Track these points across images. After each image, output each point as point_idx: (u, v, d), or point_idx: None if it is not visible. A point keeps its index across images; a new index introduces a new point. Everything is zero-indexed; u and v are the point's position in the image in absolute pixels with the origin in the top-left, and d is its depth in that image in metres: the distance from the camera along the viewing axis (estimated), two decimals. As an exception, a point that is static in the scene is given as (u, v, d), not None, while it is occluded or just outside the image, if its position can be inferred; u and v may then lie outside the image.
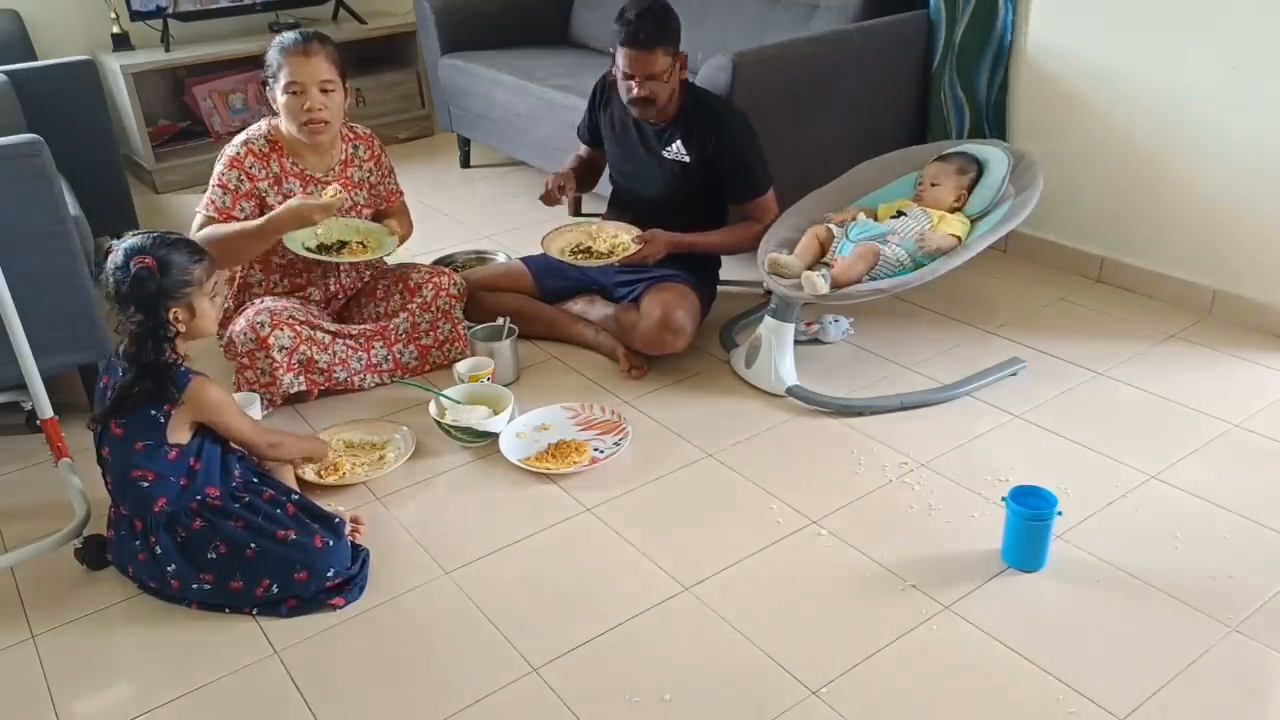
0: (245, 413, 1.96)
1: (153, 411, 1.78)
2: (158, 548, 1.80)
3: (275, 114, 2.46)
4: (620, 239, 2.62)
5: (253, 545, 1.80)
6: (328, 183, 2.49)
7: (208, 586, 1.80)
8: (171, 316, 1.80)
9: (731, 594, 1.82)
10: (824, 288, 2.31)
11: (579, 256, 2.58)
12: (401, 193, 2.69)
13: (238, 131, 2.54)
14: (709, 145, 2.54)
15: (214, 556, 1.80)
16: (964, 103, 3.09)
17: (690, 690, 1.62)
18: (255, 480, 1.94)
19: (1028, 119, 3.02)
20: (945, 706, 1.57)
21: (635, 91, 2.49)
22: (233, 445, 1.93)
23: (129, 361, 1.79)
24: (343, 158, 2.54)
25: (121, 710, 1.64)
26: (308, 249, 2.44)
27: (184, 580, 1.80)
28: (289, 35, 2.40)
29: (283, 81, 2.36)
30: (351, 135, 2.58)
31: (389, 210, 2.65)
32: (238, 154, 2.43)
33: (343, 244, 2.49)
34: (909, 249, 2.45)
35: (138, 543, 1.82)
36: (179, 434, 1.81)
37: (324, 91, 2.37)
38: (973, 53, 3.02)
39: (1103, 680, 1.59)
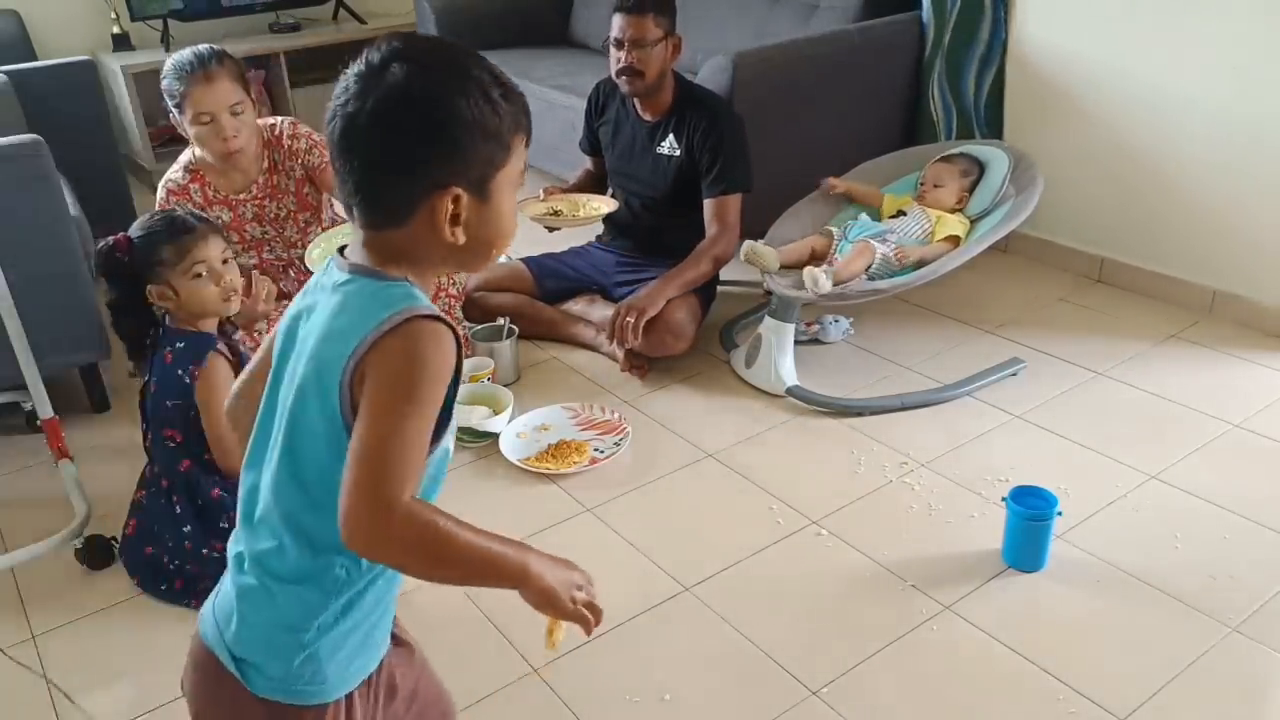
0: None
1: (179, 372, 1.82)
2: (178, 507, 1.85)
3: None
4: (594, 204, 2.67)
5: None
6: (256, 200, 2.44)
7: (216, 555, 1.83)
8: (154, 295, 1.83)
9: (731, 594, 1.82)
10: (826, 285, 2.30)
11: (549, 217, 2.66)
12: None
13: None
14: (695, 134, 2.54)
15: (225, 526, 1.83)
16: (951, 104, 3.09)
17: (690, 691, 1.62)
18: None
19: (1025, 120, 3.02)
20: (945, 706, 1.57)
21: (624, 60, 2.49)
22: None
23: (118, 331, 1.85)
24: (265, 166, 2.46)
25: (121, 710, 1.64)
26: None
27: (196, 544, 1.84)
28: (185, 57, 2.27)
29: (190, 113, 2.27)
30: (272, 139, 2.47)
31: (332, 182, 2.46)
32: (162, 198, 2.39)
33: None
34: (908, 248, 2.45)
35: (163, 501, 1.87)
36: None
37: (234, 114, 2.29)
38: (959, 54, 3.02)
39: (1103, 680, 1.59)
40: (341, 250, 0.98)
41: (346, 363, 0.88)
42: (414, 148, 0.90)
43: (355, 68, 0.92)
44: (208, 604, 1.03)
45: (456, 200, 0.92)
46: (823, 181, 2.67)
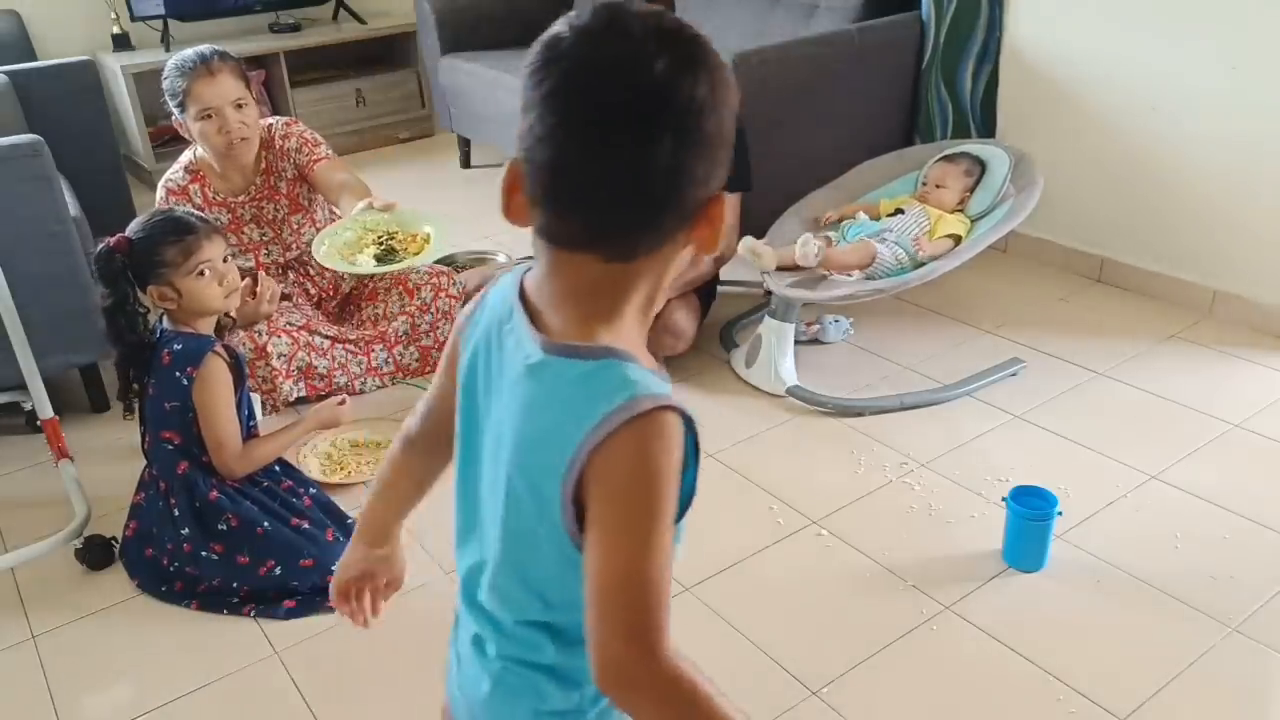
0: (232, 417, 1.89)
1: (176, 373, 1.82)
2: (176, 510, 1.85)
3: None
4: None
5: (265, 524, 1.84)
6: (254, 202, 2.46)
7: (215, 557, 1.83)
8: (155, 295, 1.83)
9: (731, 594, 1.82)
10: (813, 256, 2.33)
11: None
12: (327, 156, 2.49)
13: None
14: None
15: (225, 528, 1.84)
16: (948, 102, 3.09)
17: (690, 690, 1.62)
18: (277, 469, 1.96)
19: (1020, 118, 3.02)
20: (945, 706, 1.57)
21: None
22: (257, 428, 1.97)
23: (109, 337, 1.85)
24: (262, 167, 2.47)
25: (121, 710, 1.64)
26: (370, 264, 2.27)
27: (195, 545, 1.84)
28: (188, 56, 2.30)
29: (193, 110, 2.29)
30: (267, 140, 2.47)
31: (321, 177, 2.46)
32: (161, 198, 2.41)
33: (391, 245, 2.30)
34: (906, 247, 2.45)
35: (161, 504, 1.87)
36: None
37: (238, 108, 2.30)
38: (955, 52, 3.02)
39: (1103, 680, 1.59)
40: (522, 286, 0.81)
41: (565, 474, 0.73)
42: (712, 161, 0.78)
43: (625, 80, 0.74)
44: (453, 686, 0.93)
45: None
46: (825, 217, 2.67)
